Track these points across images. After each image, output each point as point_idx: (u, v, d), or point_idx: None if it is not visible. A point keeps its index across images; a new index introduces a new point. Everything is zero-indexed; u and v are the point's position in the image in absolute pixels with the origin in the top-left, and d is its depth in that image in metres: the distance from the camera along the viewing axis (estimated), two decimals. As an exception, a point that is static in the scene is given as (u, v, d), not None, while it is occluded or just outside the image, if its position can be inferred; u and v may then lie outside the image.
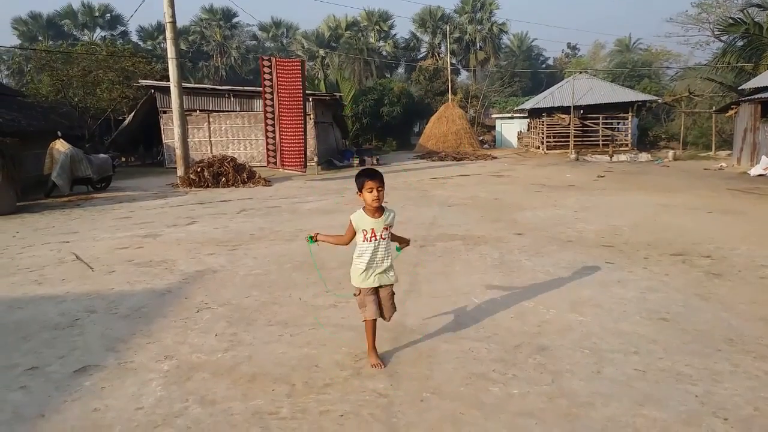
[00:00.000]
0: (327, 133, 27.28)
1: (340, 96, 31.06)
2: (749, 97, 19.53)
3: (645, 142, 32.30)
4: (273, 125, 18.82)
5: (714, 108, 25.84)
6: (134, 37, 58.40)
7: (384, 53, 56.61)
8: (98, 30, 57.56)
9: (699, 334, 4.15)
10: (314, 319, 4.65)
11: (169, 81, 18.26)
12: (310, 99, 22.38)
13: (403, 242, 3.95)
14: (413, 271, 6.13)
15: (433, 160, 27.51)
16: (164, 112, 23.44)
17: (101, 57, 27.75)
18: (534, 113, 31.75)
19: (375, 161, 25.92)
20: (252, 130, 23.79)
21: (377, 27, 56.41)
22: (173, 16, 17.47)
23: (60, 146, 14.85)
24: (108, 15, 56.96)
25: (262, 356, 3.95)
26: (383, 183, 3.61)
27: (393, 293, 3.81)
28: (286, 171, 19.36)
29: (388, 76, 53.50)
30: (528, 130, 34.87)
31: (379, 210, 3.65)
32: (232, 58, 58.48)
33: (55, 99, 25.43)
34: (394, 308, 3.82)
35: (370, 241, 3.63)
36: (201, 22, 59.17)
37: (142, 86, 25.04)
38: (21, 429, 3.05)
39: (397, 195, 12.37)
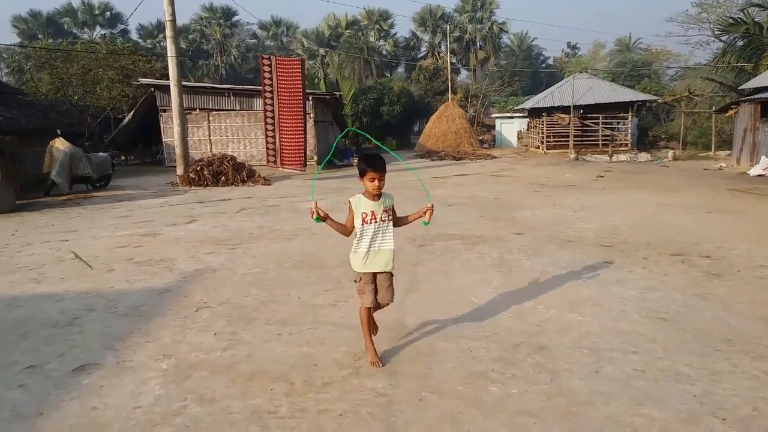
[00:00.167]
0: (327, 132, 27.28)
1: (340, 95, 31.06)
2: (749, 97, 19.54)
3: (645, 141, 32.31)
4: (273, 124, 18.81)
5: (714, 108, 25.84)
6: (134, 36, 58.42)
7: (384, 52, 56.61)
8: (98, 28, 57.55)
9: (698, 334, 4.15)
10: (313, 318, 4.65)
11: (168, 79, 18.25)
12: (310, 98, 22.38)
13: (423, 212, 3.76)
14: (413, 270, 6.13)
15: (432, 160, 27.51)
16: (164, 111, 23.42)
17: (101, 55, 27.74)
18: (534, 113, 31.76)
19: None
20: (252, 128, 23.78)
21: (377, 26, 56.42)
22: (173, 14, 17.45)
23: (59, 144, 14.84)
24: (108, 13, 56.94)
25: (261, 355, 3.95)
26: (385, 171, 3.61)
27: (391, 275, 3.77)
28: (285, 170, 19.36)
29: (388, 75, 53.51)
30: (528, 130, 34.86)
31: (377, 198, 3.66)
32: (232, 57, 58.47)
33: (54, 97, 25.43)
34: (392, 291, 3.77)
35: (370, 223, 3.63)
36: (201, 20, 59.16)
37: (142, 85, 25.04)
38: (20, 427, 3.05)
39: (396, 194, 12.34)
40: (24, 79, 34.01)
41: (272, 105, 18.63)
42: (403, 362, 3.76)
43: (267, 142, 19.17)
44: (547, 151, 29.36)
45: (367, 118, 36.53)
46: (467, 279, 5.81)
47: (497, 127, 40.32)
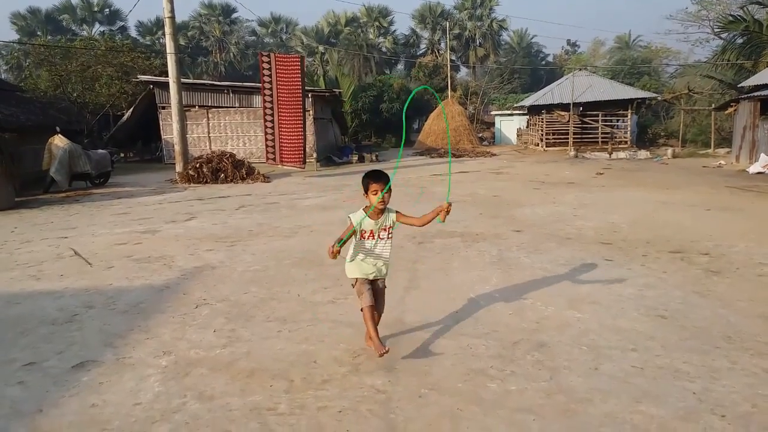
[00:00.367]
0: (326, 130, 27.26)
1: (340, 92, 31.02)
2: (749, 95, 19.53)
3: (644, 139, 32.31)
4: (272, 121, 18.78)
5: (713, 105, 25.84)
6: (133, 33, 58.25)
7: (383, 49, 56.52)
8: (97, 25, 57.43)
9: (697, 331, 4.15)
10: (312, 315, 4.64)
11: (167, 76, 18.22)
12: (310, 95, 22.36)
13: (437, 212, 3.70)
14: (412, 268, 6.13)
15: (432, 157, 27.50)
16: (163, 108, 23.39)
17: (100, 52, 27.70)
18: (533, 110, 31.74)
19: (374, 158, 25.89)
20: (251, 126, 23.76)
21: (377, 23, 56.33)
22: (172, 11, 17.42)
23: (59, 141, 14.81)
24: (107, 10, 56.78)
25: (261, 352, 3.95)
26: (389, 185, 3.62)
27: (385, 287, 3.89)
28: (285, 167, 19.34)
29: (388, 72, 53.43)
30: (527, 127, 34.85)
31: (382, 212, 3.68)
32: (231, 54, 58.37)
33: (53, 94, 25.39)
34: (383, 304, 3.88)
35: (368, 239, 3.71)
36: (200, 17, 59.03)
37: (141, 82, 24.99)
38: (19, 424, 3.05)
39: (395, 192, 12.35)
40: (23, 76, 33.93)
41: (271, 102, 18.60)
42: (402, 359, 3.76)
43: (266, 140, 19.14)
44: (546, 149, 29.35)
45: (367, 116, 36.49)
46: (466, 276, 5.81)
47: (497, 125, 40.30)
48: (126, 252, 7.42)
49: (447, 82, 39.51)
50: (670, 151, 24.91)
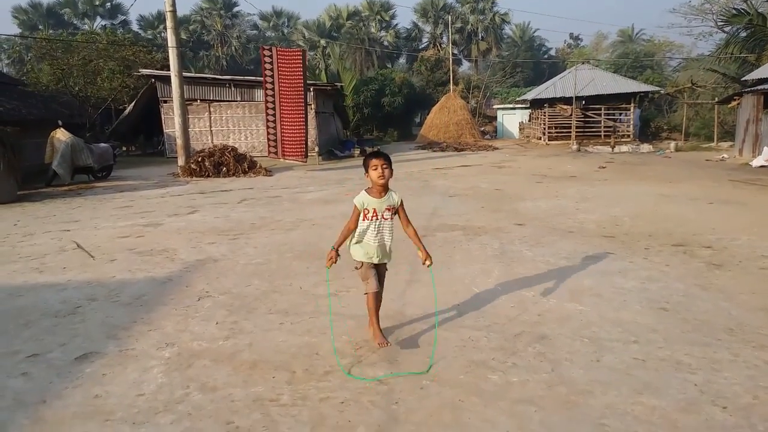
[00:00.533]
0: (328, 124, 27.23)
1: (341, 86, 30.98)
2: (752, 88, 19.45)
3: (647, 133, 32.20)
4: (274, 115, 18.76)
5: (716, 99, 25.73)
6: (135, 27, 58.23)
7: (385, 43, 56.38)
8: (98, 19, 57.37)
9: (699, 324, 4.15)
10: (315, 307, 4.64)
11: (169, 70, 18.19)
12: (311, 89, 22.32)
13: (421, 252, 3.75)
14: (413, 261, 6.12)
15: (434, 151, 27.46)
16: (165, 102, 23.37)
17: (102, 46, 27.65)
18: (536, 104, 31.66)
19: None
20: (253, 119, 23.74)
21: (379, 17, 56.15)
22: (173, 5, 17.37)
23: (61, 135, 14.83)
24: (108, 4, 56.74)
25: (263, 344, 3.96)
26: (389, 162, 3.65)
27: (386, 270, 3.94)
28: (287, 161, 19.34)
29: (390, 66, 53.30)
30: (529, 121, 34.77)
31: (384, 190, 3.68)
32: (233, 48, 58.25)
33: (55, 88, 25.36)
34: (382, 285, 3.89)
35: (371, 219, 3.68)
36: (201, 11, 58.88)
37: (143, 75, 24.97)
38: (22, 415, 3.07)
39: (398, 185, 12.37)
40: (24, 70, 33.92)
41: (273, 96, 18.58)
42: (404, 351, 3.77)
43: (268, 133, 19.13)
44: (548, 143, 29.29)
45: (369, 110, 36.42)
46: (468, 269, 5.82)
47: (499, 119, 40.19)
48: (128, 245, 7.44)
49: (449, 75, 39.40)
50: (672, 144, 24.84)
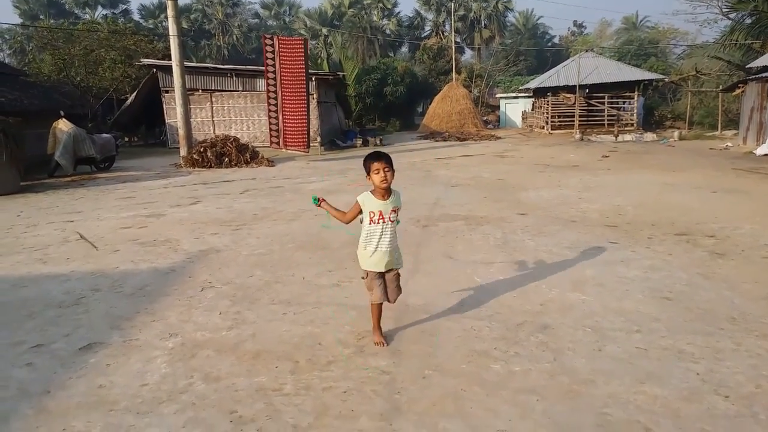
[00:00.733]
0: (330, 113, 27.15)
1: (343, 75, 30.84)
2: (756, 76, 19.30)
3: (651, 121, 32.03)
4: (276, 105, 18.71)
5: (721, 87, 25.56)
6: (136, 16, 58.02)
7: (387, 32, 56.06)
8: (99, 8, 57.14)
9: (702, 313, 4.15)
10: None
11: (171, 60, 18.14)
12: (313, 78, 22.23)
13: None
14: (416, 251, 6.14)
15: (436, 141, 27.39)
16: (166, 92, 23.33)
17: (103, 36, 27.57)
18: (539, 92, 31.48)
19: (378, 141, 25.81)
20: (255, 109, 23.68)
21: (381, 5, 55.77)
22: (174, -7, 17.28)
23: (63, 126, 14.82)
24: (109, -7, 56.47)
25: (266, 334, 3.98)
26: (391, 163, 3.56)
27: (398, 275, 3.82)
28: (289, 151, 19.30)
29: (392, 55, 53.06)
30: (533, 110, 34.61)
31: (387, 192, 3.61)
32: (234, 37, 58.02)
33: (57, 78, 25.34)
34: (399, 290, 3.81)
35: (378, 223, 3.60)
36: (203, 0, 58.58)
37: (144, 65, 24.91)
38: (26, 405, 3.09)
39: (400, 175, 12.37)
40: (26, 60, 33.86)
41: (275, 86, 18.51)
42: (406, 341, 3.78)
43: (270, 123, 19.08)
44: (551, 132, 29.17)
45: (371, 99, 36.28)
46: (470, 259, 5.81)
47: (502, 108, 40.02)
48: (131, 236, 7.45)
49: (452, 64, 39.19)
50: (676, 133, 24.71)
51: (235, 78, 23.85)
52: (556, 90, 29.58)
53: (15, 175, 12.43)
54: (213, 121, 23.95)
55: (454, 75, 38.03)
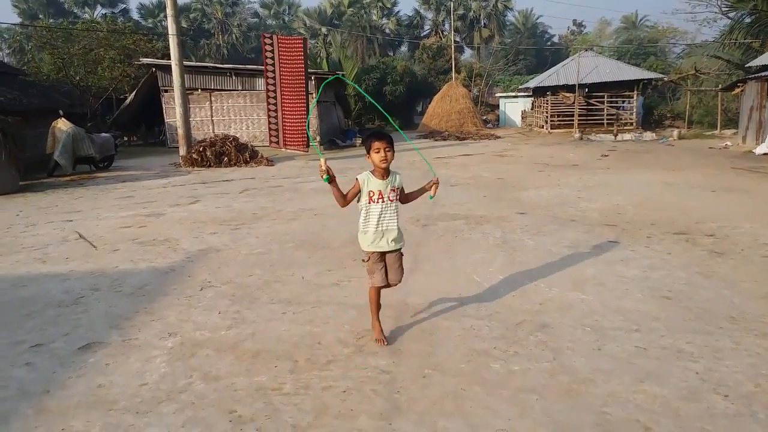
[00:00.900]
0: (329, 113, 27.14)
1: (343, 74, 30.82)
2: (756, 75, 19.30)
3: (650, 121, 32.03)
4: (275, 104, 18.71)
5: (720, 86, 25.56)
6: (135, 15, 58.00)
7: (387, 31, 56.05)
8: (99, 8, 57.11)
9: (701, 312, 4.15)
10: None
11: (170, 59, 18.12)
12: (313, 77, 22.22)
13: (428, 187, 3.73)
14: (415, 251, 6.13)
15: (436, 140, 27.38)
16: (165, 91, 23.33)
17: (102, 35, 27.53)
18: (538, 92, 31.50)
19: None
20: (254, 109, 23.67)
21: (380, 4, 55.78)
22: (174, -7, 17.26)
23: (62, 125, 14.81)
24: (108, -8, 56.42)
25: (265, 333, 3.98)
26: (392, 144, 3.54)
27: (401, 255, 3.76)
28: (288, 151, 19.30)
29: (391, 54, 53.07)
30: (532, 109, 34.61)
31: (386, 172, 3.59)
32: (234, 36, 58.01)
33: (56, 78, 25.30)
34: (401, 271, 3.75)
35: (377, 202, 3.57)
36: (202, -1, 58.60)
37: (144, 64, 24.90)
38: (26, 405, 3.09)
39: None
40: (25, 60, 33.84)
41: (274, 85, 18.51)
42: (406, 341, 3.78)
43: (269, 123, 19.08)
44: (551, 131, 29.18)
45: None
46: (470, 259, 5.81)
47: (501, 107, 40.02)
48: (131, 235, 7.45)
49: (451, 63, 39.15)
50: (676, 132, 24.71)
51: (234, 77, 23.85)
52: (555, 89, 29.59)
53: (14, 175, 12.42)
54: (212, 120, 23.95)
55: (453, 74, 38.00)
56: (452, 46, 40.71)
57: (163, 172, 15.50)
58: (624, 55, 41.26)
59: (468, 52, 60.03)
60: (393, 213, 3.64)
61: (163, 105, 23.73)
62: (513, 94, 39.22)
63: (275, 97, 18.60)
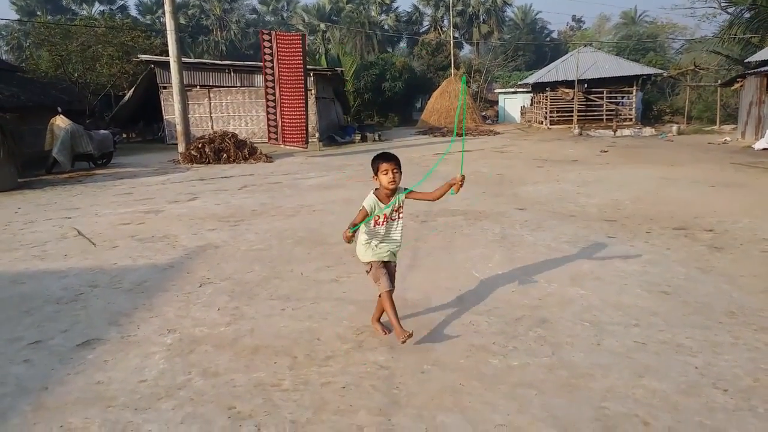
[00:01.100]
0: (328, 109, 27.10)
1: (342, 71, 30.77)
2: (755, 70, 19.28)
3: (649, 116, 32.02)
4: (274, 101, 18.68)
5: (719, 81, 25.54)
6: (133, 11, 57.90)
7: (386, 27, 55.94)
8: (96, 4, 56.98)
9: (700, 307, 4.15)
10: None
11: (168, 56, 18.07)
12: (311, 74, 22.18)
13: (451, 185, 3.67)
14: (414, 246, 6.13)
15: (435, 136, 27.35)
16: (164, 88, 23.26)
17: (100, 31, 27.46)
18: (537, 88, 31.45)
19: (377, 137, 25.78)
20: (253, 105, 23.63)
21: (379, 0, 55.61)
22: (172, -11, 17.21)
23: (60, 122, 14.77)
24: (106, -11, 56.27)
25: (264, 329, 3.97)
26: (399, 165, 3.55)
27: (395, 266, 3.79)
28: (287, 147, 19.28)
29: (390, 50, 52.96)
30: (531, 105, 34.58)
31: (393, 194, 3.59)
32: (232, 33, 57.91)
33: (54, 74, 25.25)
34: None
35: (382, 225, 3.61)
36: (200, -5, 58.45)
37: (142, 61, 24.80)
38: (24, 401, 3.08)
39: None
40: (23, 56, 33.76)
41: (273, 81, 18.48)
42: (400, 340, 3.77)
43: (268, 119, 19.06)
44: (550, 127, 29.16)
45: (369, 95, 36.23)
46: (469, 254, 5.81)
47: (500, 103, 40.00)
48: (129, 232, 7.44)
49: (450, 59, 39.10)
50: (675, 128, 24.70)
51: (233, 74, 23.78)
52: (554, 85, 29.55)
53: (12, 172, 12.39)
54: (211, 117, 23.91)
55: (452, 70, 37.95)
56: (451, 42, 40.65)
57: (162, 169, 15.47)
58: (623, 50, 41.21)
59: (467, 48, 60.03)
60: (397, 227, 3.66)
61: (162, 102, 23.67)
62: (512, 90, 39.19)
63: (274, 94, 18.57)
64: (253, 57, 41.43)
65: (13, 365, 3.54)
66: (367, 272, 3.71)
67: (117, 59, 26.51)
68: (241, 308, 4.41)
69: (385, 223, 3.61)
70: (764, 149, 15.86)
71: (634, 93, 28.98)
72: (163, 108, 23.73)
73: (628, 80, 29.01)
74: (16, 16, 52.17)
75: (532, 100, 34.50)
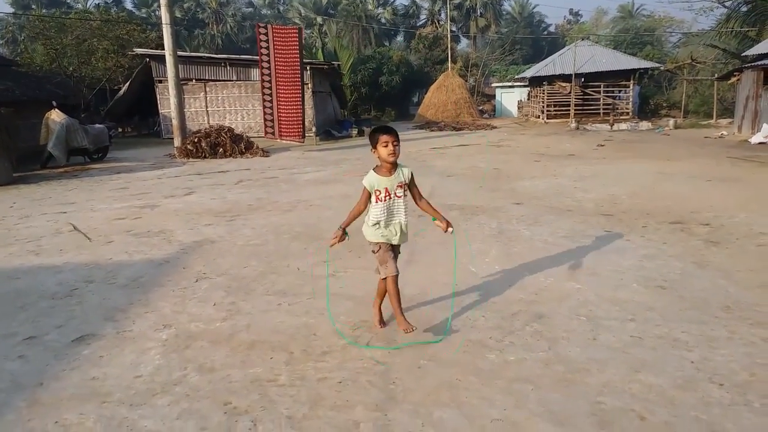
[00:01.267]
0: (325, 103, 27.02)
1: (338, 65, 30.67)
2: (752, 64, 19.28)
3: (646, 110, 32.01)
4: (270, 95, 18.60)
5: (716, 75, 25.54)
6: (128, 5, 57.50)
7: (383, 20, 55.73)
8: (91, -3, 56.55)
9: (696, 302, 4.15)
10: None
11: (164, 49, 17.98)
12: (308, 68, 22.09)
13: (441, 220, 3.69)
14: (411, 241, 6.07)
15: (432, 130, 27.29)
16: (160, 82, 23.15)
17: (95, 25, 27.30)
18: (534, 82, 31.39)
19: (374, 131, 25.69)
20: (249, 99, 23.53)
21: (376, -7, 55.42)
22: (167, -18, 17.10)
23: (55, 116, 14.69)
24: (101, -18, 55.86)
25: (261, 325, 3.96)
26: (398, 138, 3.51)
27: (399, 253, 3.74)
28: (283, 141, 19.22)
29: (387, 44, 52.83)
30: (528, 99, 34.53)
31: (393, 167, 3.54)
32: (228, 26, 57.63)
33: (49, 68, 25.11)
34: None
35: (384, 200, 3.52)
36: (196, -11, 58.11)
37: (137, 55, 24.68)
38: (19, 397, 3.07)
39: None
40: (18, 50, 33.54)
41: (269, 75, 18.39)
42: (401, 331, 3.76)
43: (265, 113, 18.99)
44: (547, 121, 29.14)
45: (366, 89, 36.10)
46: (466, 249, 5.80)
47: (497, 97, 39.91)
48: (125, 227, 7.41)
49: (447, 53, 38.98)
50: (672, 122, 24.71)
51: (229, 67, 23.68)
52: (551, 79, 29.51)
53: (7, 166, 12.33)
54: (207, 111, 23.81)
55: (449, 64, 37.84)
56: (448, 36, 40.50)
57: (158, 164, 15.42)
58: (620, 44, 41.15)
59: (464, 42, 59.89)
60: (402, 207, 3.59)
61: (158, 96, 23.56)
62: (509, 84, 39.08)
63: (270, 88, 18.50)
64: (250, 51, 41.26)
65: (7, 361, 3.53)
66: (374, 252, 3.63)
67: (112, 53, 26.38)
68: (238, 303, 4.40)
69: (388, 197, 3.53)
70: (761, 143, 15.88)
71: (631, 87, 28.96)
72: (158, 102, 23.63)
73: (625, 74, 28.97)
74: (11, 10, 51.80)
75: (529, 94, 34.45)
